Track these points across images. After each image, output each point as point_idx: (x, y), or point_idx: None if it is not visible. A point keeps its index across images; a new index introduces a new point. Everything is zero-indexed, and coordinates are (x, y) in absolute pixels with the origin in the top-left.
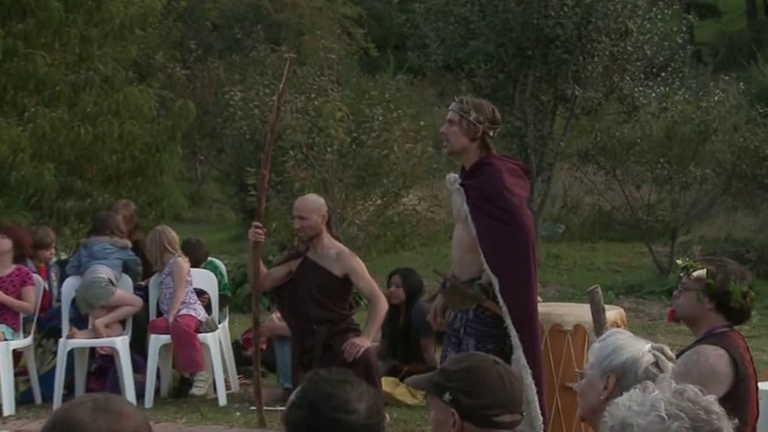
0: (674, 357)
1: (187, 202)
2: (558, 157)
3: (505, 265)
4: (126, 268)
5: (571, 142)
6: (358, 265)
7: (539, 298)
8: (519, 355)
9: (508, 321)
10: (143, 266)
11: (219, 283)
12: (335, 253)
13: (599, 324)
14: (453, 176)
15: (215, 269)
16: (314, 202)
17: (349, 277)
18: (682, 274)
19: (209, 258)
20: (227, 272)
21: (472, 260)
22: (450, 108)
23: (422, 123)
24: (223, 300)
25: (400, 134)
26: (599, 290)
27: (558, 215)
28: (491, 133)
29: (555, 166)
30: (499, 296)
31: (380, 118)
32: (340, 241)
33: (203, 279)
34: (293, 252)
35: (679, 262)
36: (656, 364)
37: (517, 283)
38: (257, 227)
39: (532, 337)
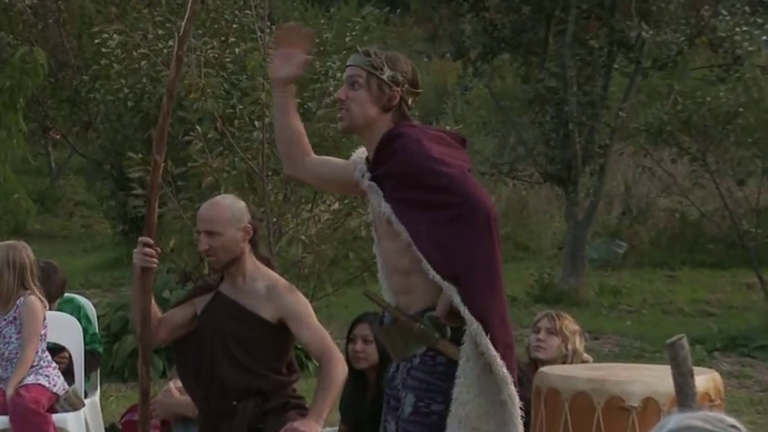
0: None
1: (35, 206)
2: (617, 136)
3: (463, 260)
4: None
5: (636, 112)
6: (300, 305)
7: (587, 357)
8: (502, 373)
9: (484, 342)
10: None
11: (86, 332)
12: (266, 286)
13: (685, 396)
14: (360, 164)
15: (78, 311)
16: (229, 210)
17: (286, 324)
18: None
19: (69, 295)
20: (99, 316)
21: (421, 283)
22: (349, 63)
23: None
24: (92, 360)
25: None
26: (684, 342)
27: (617, 227)
28: (410, 101)
29: (611, 149)
30: (464, 310)
31: (339, 75)
32: (273, 268)
33: (60, 327)
34: (200, 284)
35: None
36: None
37: (488, 285)
38: (147, 245)
39: (514, 365)
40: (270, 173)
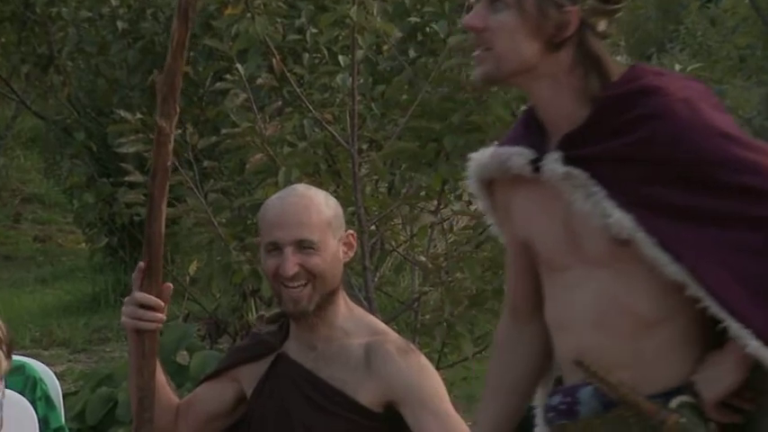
0: None
1: None
2: None
3: None
4: None
5: None
6: (424, 378)
7: None
8: None
9: None
10: None
11: (44, 424)
12: (364, 345)
13: None
14: (517, 151)
15: (32, 387)
16: (326, 205)
17: (398, 410)
18: None
19: (18, 359)
20: (66, 396)
21: (668, 345)
22: None
23: None
24: None
25: None
26: None
27: None
28: (600, 26)
29: None
30: None
31: None
32: (371, 310)
33: (3, 413)
34: (249, 343)
35: None
36: None
37: None
38: (141, 274)
39: None
40: (366, 145)
